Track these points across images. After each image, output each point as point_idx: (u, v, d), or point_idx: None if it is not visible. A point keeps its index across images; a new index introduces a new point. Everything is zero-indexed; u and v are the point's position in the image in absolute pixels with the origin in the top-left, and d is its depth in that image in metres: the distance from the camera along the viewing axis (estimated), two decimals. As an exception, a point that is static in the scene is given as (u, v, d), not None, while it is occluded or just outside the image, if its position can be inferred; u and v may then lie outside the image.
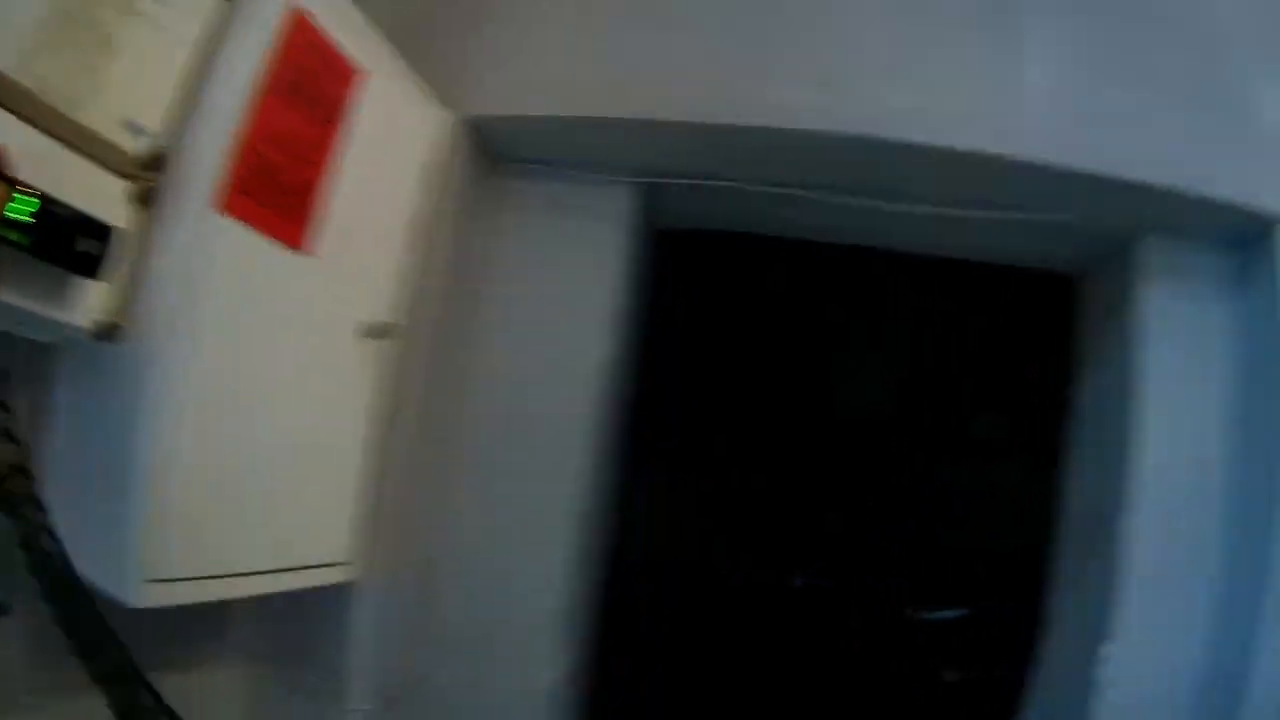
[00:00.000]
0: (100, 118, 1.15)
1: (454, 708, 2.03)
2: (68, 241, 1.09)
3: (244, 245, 1.37)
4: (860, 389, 4.77)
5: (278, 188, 1.42)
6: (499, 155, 2.17)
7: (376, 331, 1.73)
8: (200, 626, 1.64)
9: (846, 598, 4.52)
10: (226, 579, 1.44)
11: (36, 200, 1.01)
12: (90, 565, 1.21)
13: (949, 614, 4.25)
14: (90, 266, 1.14)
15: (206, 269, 1.28)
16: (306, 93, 1.45)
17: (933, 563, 4.36)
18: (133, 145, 1.21)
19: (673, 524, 2.72)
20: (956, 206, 2.22)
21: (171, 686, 1.51)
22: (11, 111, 1.02)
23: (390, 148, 1.76)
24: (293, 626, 1.88)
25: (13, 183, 0.99)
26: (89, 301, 1.19)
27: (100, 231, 1.14)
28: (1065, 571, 2.44)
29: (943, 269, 2.86)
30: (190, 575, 1.34)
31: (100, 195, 1.16)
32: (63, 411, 1.31)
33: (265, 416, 1.48)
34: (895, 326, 4.64)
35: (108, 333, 1.22)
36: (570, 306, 2.14)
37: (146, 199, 1.24)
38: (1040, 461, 3.89)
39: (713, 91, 1.95)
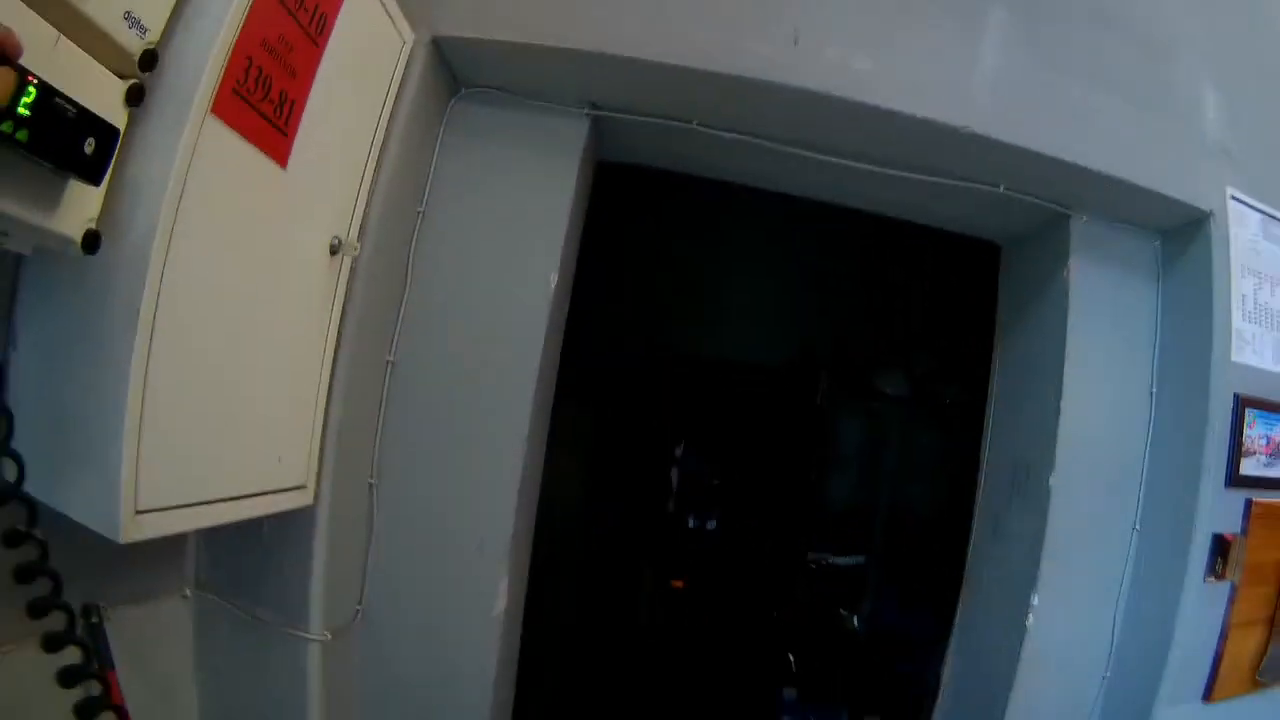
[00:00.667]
0: (102, 8, 1.03)
1: (401, 637, 2.02)
2: (70, 141, 1.00)
3: (232, 153, 1.26)
4: (772, 336, 4.89)
5: (267, 97, 1.33)
6: (457, 78, 2.10)
7: (339, 250, 1.65)
8: (147, 556, 1.56)
9: (750, 541, 4.68)
10: (208, 505, 1.36)
11: (35, 91, 0.91)
12: (66, 495, 1.15)
13: (846, 561, 4.46)
14: (93, 170, 1.05)
15: (196, 174, 1.17)
16: (298, 1, 1.37)
17: (834, 512, 4.54)
18: (132, 41, 1.11)
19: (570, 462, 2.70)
20: (900, 168, 2.28)
21: (121, 618, 1.50)
22: (18, -5, 0.92)
23: (362, 64, 1.66)
24: (242, 556, 1.82)
25: (23, 73, 0.91)
26: (81, 209, 1.09)
27: (105, 132, 1.05)
28: (986, 524, 2.58)
29: (872, 226, 2.94)
30: (176, 504, 1.26)
31: (98, 93, 1.05)
32: (29, 327, 1.21)
33: (241, 335, 1.39)
34: (817, 278, 4.76)
35: (92, 242, 1.12)
36: (520, 232, 2.10)
37: (136, 98, 1.14)
38: (947, 419, 4.13)
39: (680, 34, 1.93)
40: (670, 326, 4.78)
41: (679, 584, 4.65)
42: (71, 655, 1.33)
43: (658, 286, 4.70)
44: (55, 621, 1.27)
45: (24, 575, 1.12)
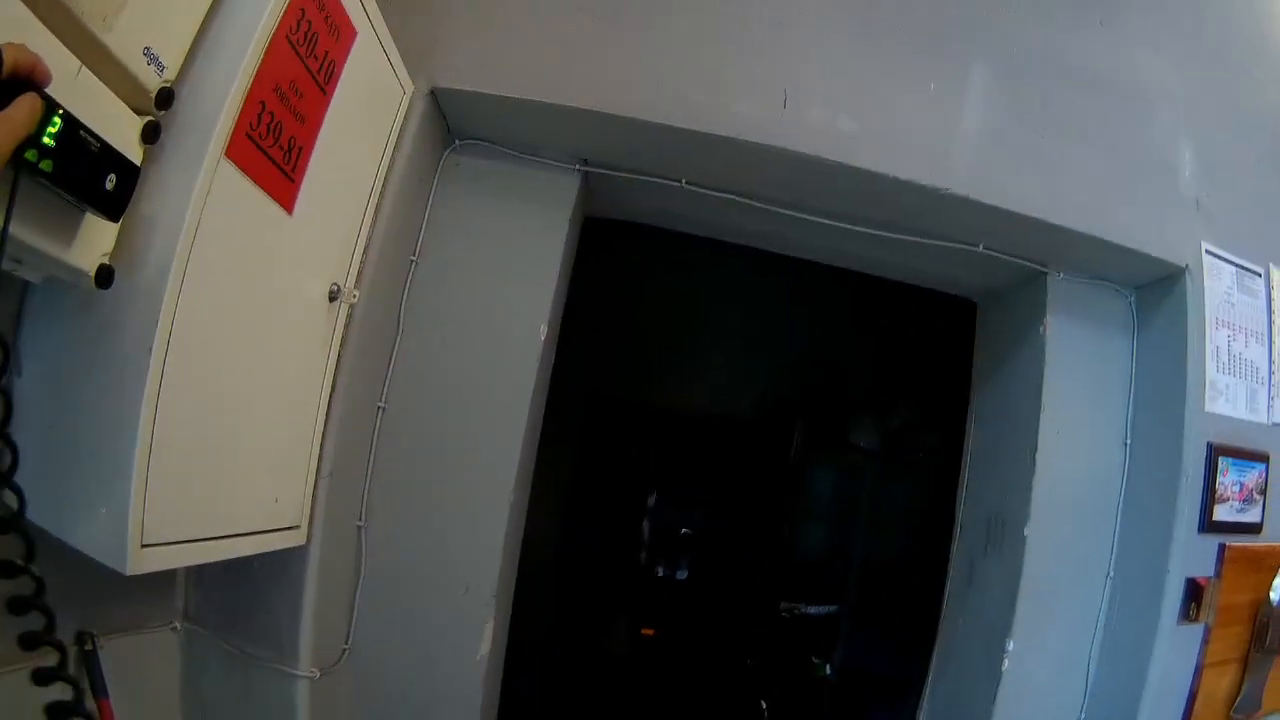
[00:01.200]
0: (123, 42, 1.04)
1: (388, 675, 2.02)
2: (92, 175, 1.00)
3: (243, 196, 1.28)
4: (747, 387, 4.92)
5: (277, 142, 1.34)
6: (452, 129, 2.13)
7: (338, 296, 1.67)
8: (138, 587, 1.53)
9: (721, 590, 4.67)
10: (209, 542, 1.36)
11: (60, 121, 0.92)
12: (71, 525, 1.15)
13: (818, 610, 4.46)
14: (113, 206, 1.05)
15: (208, 216, 1.18)
16: (309, 47, 1.38)
17: (807, 562, 4.55)
18: (150, 78, 1.11)
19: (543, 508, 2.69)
20: (883, 228, 2.33)
21: (111, 649, 1.48)
22: (43, 21, 0.92)
23: (365, 113, 1.69)
24: (232, 591, 1.82)
25: (51, 102, 0.90)
26: (96, 243, 1.09)
27: (126, 169, 1.05)
28: (962, 572, 2.61)
29: (849, 279, 2.98)
30: (179, 539, 1.26)
31: (116, 127, 1.06)
32: (36, 355, 1.20)
33: (243, 376, 1.40)
34: (792, 330, 4.81)
35: (105, 277, 1.11)
36: (510, 284, 2.13)
37: (153, 136, 1.14)
38: (921, 471, 4.16)
39: (672, 94, 1.98)
40: (645, 376, 4.80)
41: (649, 632, 4.61)
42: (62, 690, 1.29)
43: (633, 336, 4.72)
44: (47, 657, 1.24)
45: (18, 607, 1.09)
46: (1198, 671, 2.22)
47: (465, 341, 2.09)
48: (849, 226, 2.34)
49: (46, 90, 0.89)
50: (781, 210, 2.31)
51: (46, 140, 0.90)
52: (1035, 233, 2.22)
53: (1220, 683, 2.29)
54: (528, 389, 2.11)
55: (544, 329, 2.13)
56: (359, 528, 1.99)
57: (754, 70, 2.04)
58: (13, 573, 1.08)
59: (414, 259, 2.08)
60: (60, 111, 0.91)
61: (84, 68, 0.99)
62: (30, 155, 0.88)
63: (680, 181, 2.25)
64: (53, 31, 0.93)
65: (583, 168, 2.20)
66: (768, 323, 4.99)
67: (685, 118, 1.98)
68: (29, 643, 1.17)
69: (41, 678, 1.26)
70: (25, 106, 0.85)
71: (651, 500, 4.78)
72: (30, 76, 0.86)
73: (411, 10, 1.89)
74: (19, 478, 1.04)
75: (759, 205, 2.30)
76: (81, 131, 0.96)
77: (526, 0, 2.00)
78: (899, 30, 2.16)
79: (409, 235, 2.05)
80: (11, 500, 1.06)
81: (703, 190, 2.26)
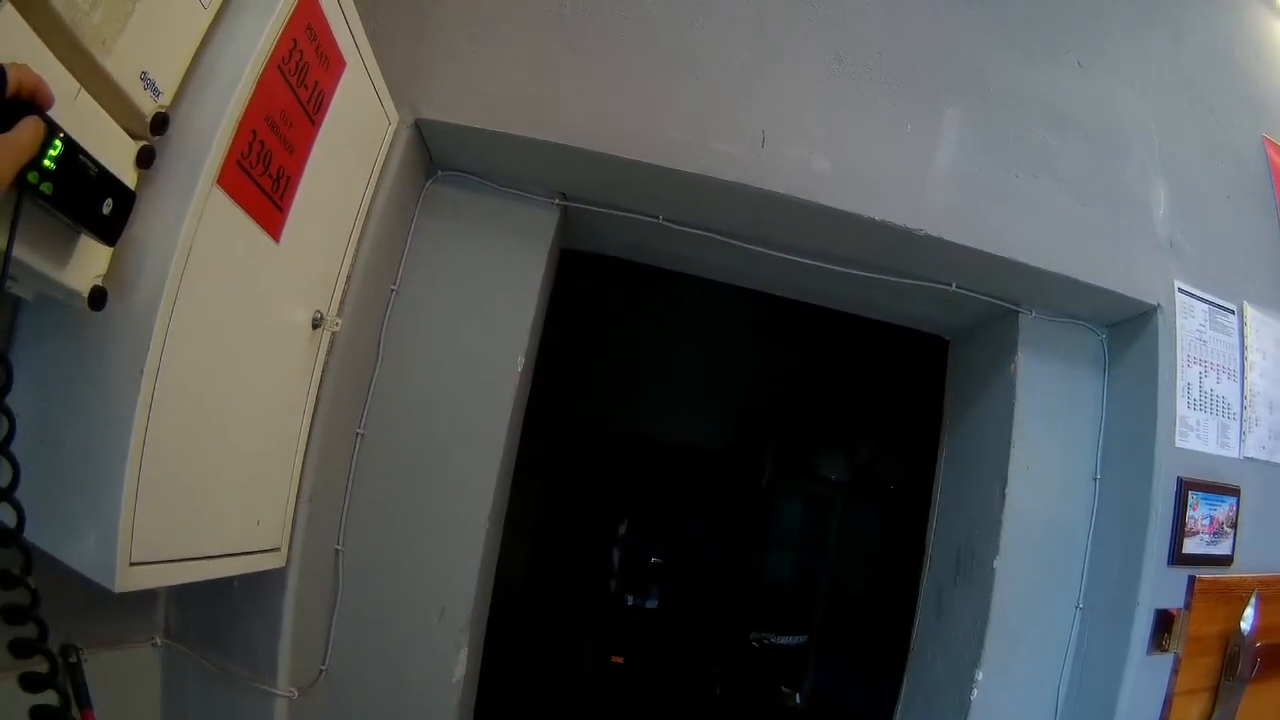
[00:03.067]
0: (121, 66, 1.05)
1: (365, 697, 2.02)
2: (90, 199, 1.01)
3: (232, 224, 1.29)
4: (717, 419, 4.94)
5: (266, 171, 1.35)
6: (434, 160, 2.16)
7: (320, 324, 1.69)
8: (122, 604, 1.53)
9: (691, 619, 4.67)
10: (195, 562, 1.37)
11: (60, 145, 0.93)
12: (60, 541, 1.15)
13: (788, 640, 4.47)
14: (109, 231, 1.06)
15: (199, 242, 1.19)
16: (300, 77, 1.39)
17: (777, 592, 4.56)
18: (146, 102, 1.12)
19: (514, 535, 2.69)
20: (857, 267, 2.36)
21: (93, 663, 1.49)
22: (45, 41, 0.93)
23: (351, 143, 1.71)
24: (212, 610, 1.83)
25: (52, 125, 0.91)
26: (89, 265, 1.09)
27: (123, 195, 1.06)
28: (931, 604, 2.63)
29: (823, 318, 3.02)
30: (166, 558, 1.27)
31: (112, 151, 1.06)
32: (25, 370, 1.17)
33: (229, 399, 1.41)
34: (763, 364, 4.85)
35: (98, 299, 1.11)
36: (488, 315, 2.15)
37: (147, 161, 1.14)
38: (889, 504, 4.21)
39: (652, 133, 2.02)
40: (617, 407, 4.82)
41: (619, 660, 4.60)
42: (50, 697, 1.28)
43: (605, 367, 4.75)
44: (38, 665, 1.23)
45: (12, 616, 1.08)
46: (1167, 701, 2.25)
47: (443, 370, 2.11)
48: (823, 265, 2.38)
49: (48, 113, 0.89)
50: (756, 248, 2.34)
51: (47, 163, 0.91)
52: (1008, 272, 2.27)
53: (1190, 711, 2.31)
54: (504, 418, 2.13)
55: (521, 360, 2.15)
56: (337, 551, 2.00)
57: (733, 109, 2.08)
58: (11, 584, 1.08)
59: (394, 288, 2.10)
60: (61, 135, 0.92)
61: (83, 90, 1.00)
62: (32, 177, 0.89)
63: (657, 217, 2.28)
64: (54, 53, 0.94)
65: (561, 202, 2.23)
66: (740, 357, 5.04)
67: (664, 155, 2.01)
68: (22, 650, 1.17)
69: (32, 684, 1.25)
70: (29, 129, 0.86)
71: (622, 529, 4.79)
72: (33, 98, 0.87)
73: (398, 42, 1.92)
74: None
75: (735, 242, 2.33)
76: (81, 155, 0.97)
77: (511, 35, 2.03)
78: (877, 71, 2.20)
79: (390, 265, 2.07)
80: (11, 515, 1.05)
81: (679, 227, 2.29)
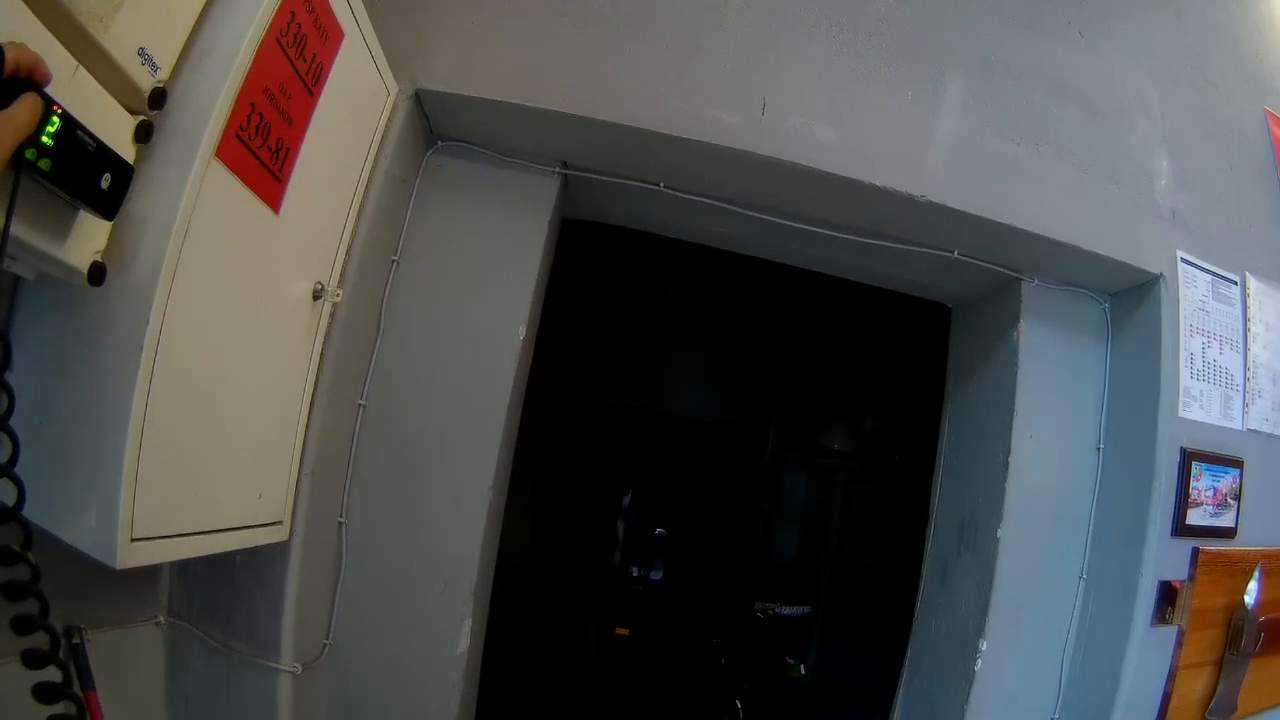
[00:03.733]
0: (118, 42, 1.05)
1: (369, 671, 2.02)
2: (88, 175, 1.01)
3: (232, 196, 1.29)
4: (721, 391, 4.95)
5: (265, 143, 1.35)
6: (434, 130, 2.14)
7: (321, 296, 1.69)
8: (123, 582, 1.60)
9: (696, 590, 4.70)
10: (196, 536, 1.37)
11: (58, 121, 0.93)
12: (60, 518, 1.15)
13: (792, 610, 4.50)
14: (108, 205, 1.06)
15: (198, 215, 1.19)
16: (298, 49, 1.39)
17: (781, 563, 4.59)
18: (144, 78, 1.12)
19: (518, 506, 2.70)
20: (859, 234, 2.36)
21: (96, 643, 1.52)
22: (42, 20, 0.93)
23: (350, 114, 1.70)
24: (215, 586, 1.83)
25: (49, 102, 0.91)
26: (88, 241, 1.09)
27: (121, 169, 1.06)
28: (935, 574, 2.64)
29: (826, 286, 3.02)
30: (167, 533, 1.27)
31: (110, 127, 1.06)
32: (25, 349, 1.18)
33: (230, 373, 1.41)
34: (767, 334, 4.85)
35: (98, 275, 1.12)
36: (490, 285, 2.14)
37: (145, 136, 1.15)
38: (893, 474, 4.22)
39: (653, 100, 2.00)
40: (620, 378, 4.82)
41: (624, 631, 4.64)
42: (52, 674, 1.30)
43: (607, 338, 4.75)
44: (39, 641, 1.25)
45: (12, 593, 1.09)
46: (1171, 674, 2.26)
47: (444, 341, 2.10)
48: (825, 232, 2.37)
49: (45, 90, 0.89)
50: (758, 215, 2.33)
51: (45, 139, 0.91)
52: (1010, 239, 2.26)
53: (1195, 685, 2.32)
54: (506, 389, 2.12)
55: (523, 330, 2.14)
56: (340, 524, 2.00)
57: (733, 77, 2.06)
58: (11, 560, 1.09)
59: (395, 259, 2.09)
60: (58, 111, 0.92)
61: (80, 67, 1.00)
62: (30, 154, 0.89)
63: (659, 185, 2.26)
64: (51, 31, 0.94)
65: (562, 170, 2.22)
66: (743, 326, 5.04)
67: (665, 123, 2.00)
68: (23, 626, 1.18)
69: (33, 661, 1.27)
70: (26, 107, 0.86)
71: (626, 501, 4.81)
72: (31, 76, 0.87)
73: (396, 13, 1.90)
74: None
75: (736, 210, 2.31)
76: (78, 131, 0.97)
77: (509, 3, 2.01)
78: (878, 38, 2.19)
79: (390, 236, 2.06)
80: (11, 491, 1.06)
81: (681, 195, 2.28)
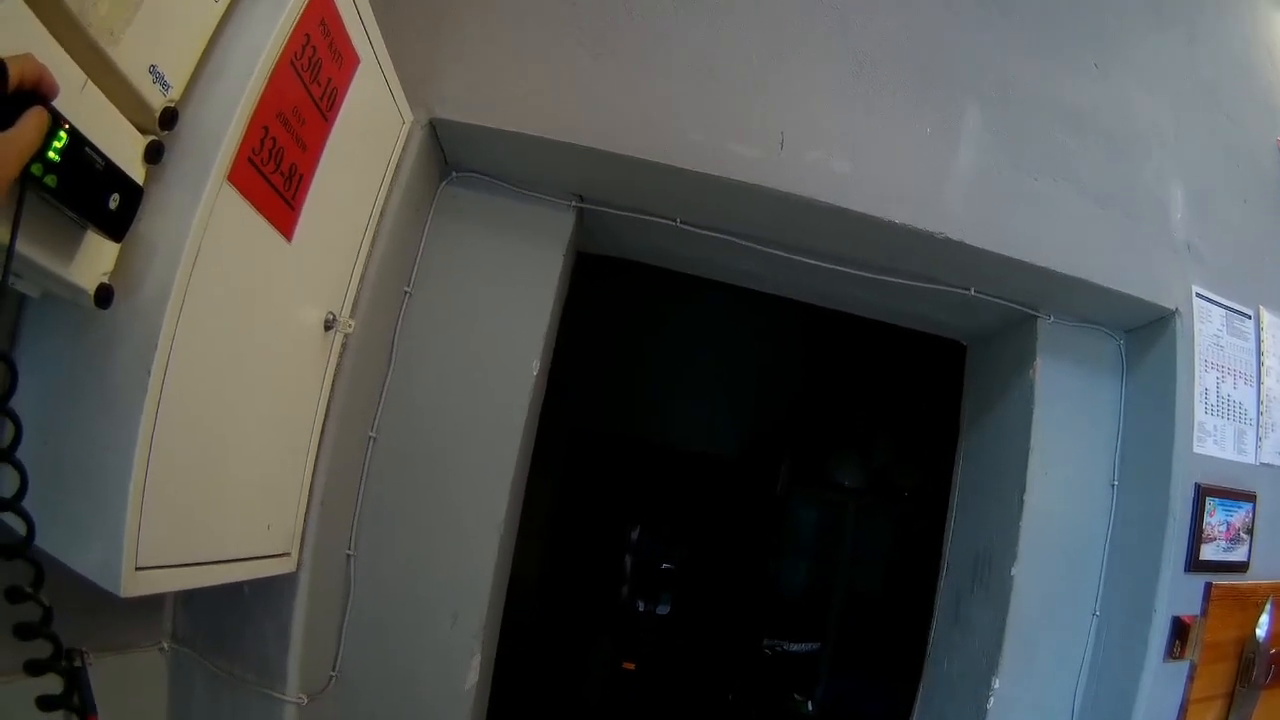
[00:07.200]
0: (129, 57, 1.03)
1: (375, 704, 1.99)
2: (96, 194, 0.99)
3: (243, 222, 1.27)
4: (731, 425, 4.92)
5: (278, 169, 1.33)
6: (448, 161, 2.14)
7: (333, 326, 1.67)
8: (128, 608, 1.55)
9: (703, 625, 4.65)
10: (203, 567, 1.35)
11: (65, 136, 0.90)
12: (64, 543, 1.13)
13: (801, 647, 4.44)
14: (116, 226, 1.04)
15: (209, 240, 1.17)
16: (313, 73, 1.38)
17: (790, 599, 4.53)
18: (155, 96, 1.10)
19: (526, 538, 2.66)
20: (876, 270, 2.34)
21: (99, 667, 1.50)
22: (51, 32, 0.91)
23: (365, 142, 1.70)
24: (220, 614, 1.82)
25: (57, 117, 0.89)
26: (96, 262, 1.07)
27: (130, 189, 1.04)
28: (947, 611, 2.60)
29: (841, 321, 3.00)
30: (173, 563, 1.24)
31: (119, 145, 1.05)
32: (29, 370, 1.14)
33: (239, 402, 1.39)
34: (778, 368, 4.83)
35: (105, 297, 1.09)
36: (503, 318, 2.13)
37: (155, 156, 1.12)
38: (904, 510, 4.17)
39: (670, 134, 1.99)
40: (630, 411, 4.81)
41: (630, 666, 4.58)
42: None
43: (618, 370, 4.73)
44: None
45: (24, 633, 1.07)
46: (1183, 708, 2.22)
47: (457, 373, 2.08)
48: (841, 269, 2.35)
49: (53, 104, 0.87)
50: (774, 251, 2.31)
51: (52, 155, 0.88)
52: (1027, 276, 2.24)
53: (1205, 718, 2.28)
54: (519, 423, 2.10)
55: (536, 364, 2.12)
56: (348, 556, 1.98)
57: (752, 111, 2.06)
58: (20, 599, 1.06)
59: (408, 290, 2.08)
60: (66, 126, 0.90)
61: (89, 82, 0.98)
62: (35, 169, 0.86)
63: (675, 220, 2.25)
64: (60, 43, 0.92)
65: (577, 204, 2.21)
66: (756, 361, 5.02)
67: (682, 157, 1.98)
68: (36, 669, 1.16)
69: (45, 704, 1.25)
70: (32, 124, 0.83)
71: (634, 535, 4.77)
72: (37, 88, 0.84)
73: (412, 40, 1.91)
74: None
75: (752, 245, 2.30)
76: (86, 148, 0.95)
77: (526, 34, 2.01)
78: (896, 73, 2.18)
79: (404, 266, 2.05)
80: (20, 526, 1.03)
81: (697, 229, 2.26)
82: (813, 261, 2.34)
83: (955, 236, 2.11)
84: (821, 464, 4.65)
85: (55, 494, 1.12)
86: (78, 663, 1.46)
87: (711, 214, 2.23)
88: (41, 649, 1.18)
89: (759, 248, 2.31)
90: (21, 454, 0.99)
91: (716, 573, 4.80)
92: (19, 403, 0.96)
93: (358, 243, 1.76)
